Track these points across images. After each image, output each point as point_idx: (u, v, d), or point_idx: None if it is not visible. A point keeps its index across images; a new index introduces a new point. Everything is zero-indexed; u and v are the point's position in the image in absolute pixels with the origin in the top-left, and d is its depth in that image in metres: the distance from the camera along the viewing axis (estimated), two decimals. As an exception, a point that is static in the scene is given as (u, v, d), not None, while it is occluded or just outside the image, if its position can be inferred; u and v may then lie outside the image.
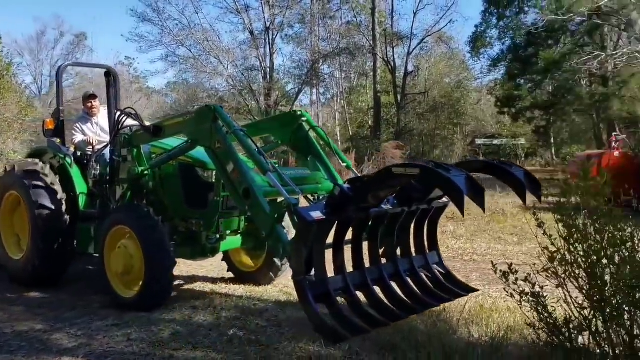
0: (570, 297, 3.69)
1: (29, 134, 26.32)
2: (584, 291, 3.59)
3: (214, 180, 5.96)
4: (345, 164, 6.10)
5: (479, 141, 38.88)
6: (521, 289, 3.89)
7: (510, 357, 3.98)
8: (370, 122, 38.53)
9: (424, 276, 5.17)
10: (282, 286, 6.60)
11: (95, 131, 7.30)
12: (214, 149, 5.27)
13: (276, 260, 6.62)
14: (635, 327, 3.42)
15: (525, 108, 33.30)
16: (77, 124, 7.30)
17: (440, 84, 38.94)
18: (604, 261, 3.48)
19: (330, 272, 4.59)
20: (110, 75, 7.41)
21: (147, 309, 5.47)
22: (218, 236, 6.17)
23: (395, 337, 4.35)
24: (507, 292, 3.98)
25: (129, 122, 6.23)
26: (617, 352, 3.48)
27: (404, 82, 36.54)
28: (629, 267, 3.37)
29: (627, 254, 3.43)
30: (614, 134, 18.76)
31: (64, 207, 6.59)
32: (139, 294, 5.53)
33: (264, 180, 4.97)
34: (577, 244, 3.59)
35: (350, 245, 4.88)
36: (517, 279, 3.91)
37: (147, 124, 6.03)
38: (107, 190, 6.48)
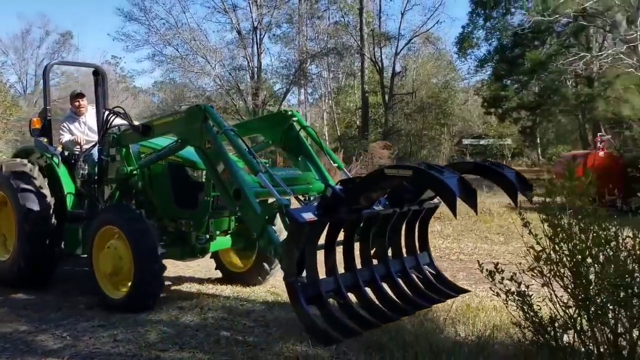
0: (556, 295, 3.72)
1: (13, 134, 26.14)
2: (569, 290, 3.63)
3: (203, 180, 5.92)
4: (336, 165, 6.08)
5: (465, 141, 39.04)
6: (507, 288, 3.92)
7: (496, 356, 4.01)
8: (358, 122, 38.62)
9: (415, 277, 5.17)
10: (270, 286, 6.59)
11: (83, 130, 7.24)
12: (204, 149, 5.24)
13: (265, 264, 6.59)
14: (619, 325, 3.45)
15: (511, 108, 33.53)
16: (65, 123, 7.24)
17: (427, 84, 39.06)
18: (589, 260, 3.51)
19: (322, 273, 4.57)
20: (98, 74, 7.37)
21: (136, 310, 5.43)
22: (208, 236, 6.13)
23: (382, 337, 4.36)
24: (494, 292, 4.01)
25: (118, 121, 6.20)
26: (602, 350, 3.52)
27: (391, 83, 36.65)
28: (613, 266, 3.41)
29: (612, 253, 3.47)
30: (599, 134, 18.95)
31: (51, 211, 6.52)
32: (128, 295, 5.49)
33: (255, 181, 4.95)
34: (562, 244, 3.62)
35: (341, 246, 4.86)
36: (503, 278, 3.93)
37: (136, 123, 6.00)
38: (95, 190, 6.44)
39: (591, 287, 3.50)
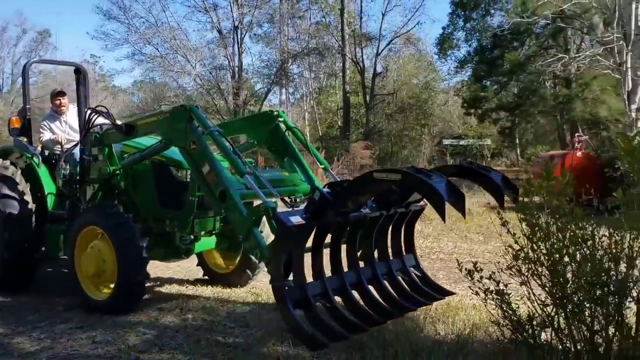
0: (534, 294, 3.76)
1: (-11, 133, 25.77)
2: (547, 288, 3.66)
3: (188, 180, 5.84)
4: (322, 166, 5.97)
5: (446, 142, 39.22)
6: (486, 287, 3.93)
7: (475, 354, 4.06)
8: (339, 123, 38.63)
9: (401, 279, 5.16)
10: (251, 287, 6.57)
11: (64, 129, 7.15)
12: (189, 150, 5.16)
13: (248, 271, 6.56)
14: (595, 323, 3.50)
15: (491, 109, 33.77)
16: (45, 122, 7.12)
17: (408, 85, 39.16)
18: (566, 259, 3.55)
19: (309, 276, 4.54)
20: (80, 73, 7.24)
21: (119, 311, 5.38)
22: (192, 237, 6.05)
23: (363, 336, 4.35)
24: (473, 290, 4.02)
25: (100, 120, 6.12)
26: (579, 347, 3.57)
27: (372, 83, 36.73)
28: (589, 265, 3.46)
29: (588, 252, 3.51)
30: (576, 135, 19.18)
31: (31, 214, 6.42)
32: (111, 297, 5.43)
33: (240, 182, 4.88)
34: (540, 243, 3.65)
35: (328, 249, 4.82)
36: (482, 277, 3.96)
37: (119, 122, 5.95)
38: (77, 190, 6.35)
39: (568, 286, 3.54)
